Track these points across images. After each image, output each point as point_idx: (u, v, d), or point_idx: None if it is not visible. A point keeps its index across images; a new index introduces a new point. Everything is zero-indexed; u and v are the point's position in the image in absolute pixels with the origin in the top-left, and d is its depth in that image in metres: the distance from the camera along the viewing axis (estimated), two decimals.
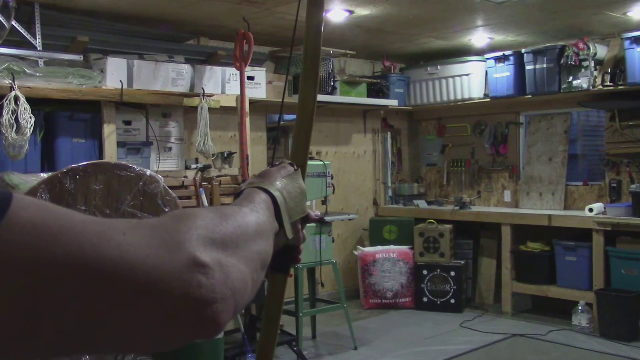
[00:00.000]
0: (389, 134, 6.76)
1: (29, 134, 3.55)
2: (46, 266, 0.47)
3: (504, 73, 5.86)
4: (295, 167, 0.94)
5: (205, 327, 0.54)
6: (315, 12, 1.03)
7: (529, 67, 5.66)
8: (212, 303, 0.54)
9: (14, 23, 3.91)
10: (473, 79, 6.14)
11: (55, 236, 0.49)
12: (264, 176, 0.87)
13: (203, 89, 4.59)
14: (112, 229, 0.52)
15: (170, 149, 4.67)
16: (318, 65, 1.05)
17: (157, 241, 0.54)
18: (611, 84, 5.23)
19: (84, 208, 3.05)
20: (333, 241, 4.96)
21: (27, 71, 3.74)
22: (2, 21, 0.64)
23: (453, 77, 6.26)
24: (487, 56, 6.03)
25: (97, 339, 0.51)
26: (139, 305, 0.51)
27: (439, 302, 5.80)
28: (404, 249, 5.97)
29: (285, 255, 0.90)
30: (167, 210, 3.30)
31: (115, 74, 4.19)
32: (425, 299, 5.85)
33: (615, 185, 5.45)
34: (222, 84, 4.82)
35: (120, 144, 4.26)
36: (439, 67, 6.35)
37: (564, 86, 5.45)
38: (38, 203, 0.51)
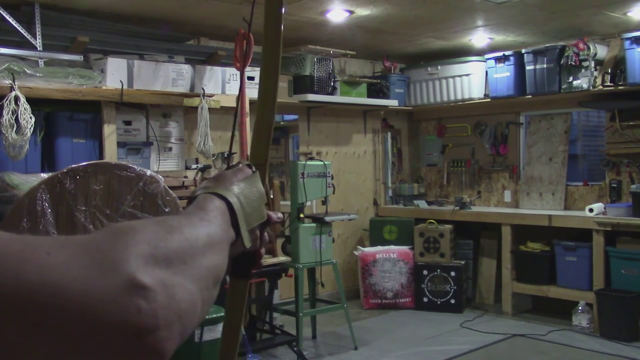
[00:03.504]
0: (389, 134, 6.76)
1: (29, 134, 3.55)
2: None
3: (504, 73, 5.86)
4: (253, 169, 0.87)
5: (148, 356, 0.48)
6: (273, 3, 0.99)
7: (529, 67, 5.66)
8: (154, 330, 0.47)
9: (14, 23, 3.91)
10: (473, 79, 6.14)
11: None
12: (219, 180, 0.80)
13: (203, 89, 4.59)
14: (33, 247, 0.46)
15: (170, 149, 4.67)
16: (278, 57, 0.99)
17: (87, 261, 0.47)
18: (611, 84, 5.23)
19: (84, 208, 3.05)
20: (333, 241, 4.96)
21: (27, 71, 3.74)
22: None
23: (453, 77, 6.26)
24: (487, 56, 6.03)
25: None
26: (65, 336, 0.44)
27: (439, 302, 5.80)
28: (404, 249, 5.97)
29: (245, 260, 0.84)
30: (167, 210, 3.30)
31: (115, 74, 4.19)
32: (425, 299, 5.85)
33: (615, 185, 5.45)
34: (222, 84, 4.82)
35: (120, 144, 4.26)
36: (439, 67, 6.34)
37: (564, 86, 5.45)
38: None
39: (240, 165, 0.86)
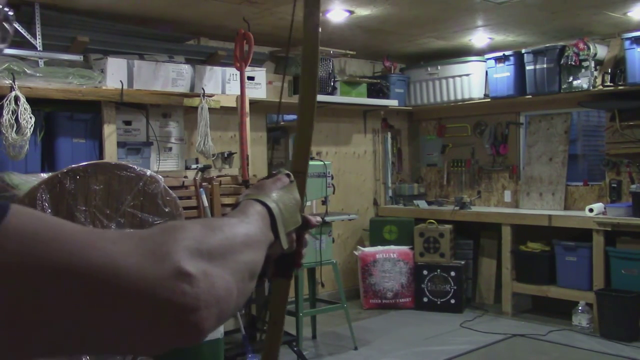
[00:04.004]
0: (389, 134, 6.76)
1: (29, 134, 3.55)
2: (37, 272, 0.50)
3: (504, 73, 5.86)
4: (291, 179, 0.96)
5: (188, 332, 0.56)
6: (311, 23, 1.07)
7: (529, 67, 5.66)
8: (195, 310, 0.56)
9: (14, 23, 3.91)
10: (473, 79, 6.14)
11: (47, 243, 0.51)
12: (260, 188, 0.90)
13: (203, 89, 4.59)
14: (101, 238, 0.55)
15: (170, 149, 4.67)
16: (316, 73, 1.08)
17: (144, 250, 0.56)
18: (611, 84, 5.23)
19: (84, 208, 3.05)
20: (333, 241, 4.96)
21: (27, 71, 3.74)
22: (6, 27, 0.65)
23: (453, 77, 6.26)
24: (487, 56, 6.03)
25: (82, 342, 0.53)
26: (124, 310, 0.53)
27: (439, 302, 5.80)
28: (404, 249, 5.97)
29: (286, 260, 0.93)
30: (167, 210, 3.30)
31: (115, 74, 4.19)
32: (425, 299, 5.85)
33: (615, 185, 5.45)
34: (222, 84, 4.82)
35: (120, 144, 4.26)
36: (439, 67, 6.35)
37: (564, 86, 5.45)
38: (33, 213, 0.54)
39: (279, 174, 0.95)
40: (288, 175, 0.96)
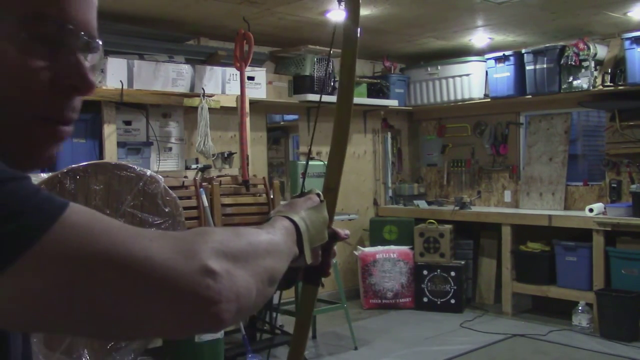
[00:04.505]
0: (389, 134, 6.76)
1: None
2: (85, 258, 0.59)
3: (504, 73, 5.86)
4: (321, 199, 1.04)
5: (209, 321, 0.64)
6: (349, 52, 1.13)
7: (529, 67, 5.66)
8: (217, 302, 0.64)
9: None
10: (473, 79, 6.14)
11: (97, 235, 0.60)
12: (291, 206, 0.98)
13: (203, 89, 4.59)
14: (142, 235, 0.63)
15: (170, 149, 4.67)
16: (351, 100, 1.14)
17: (176, 248, 0.64)
18: (611, 84, 5.23)
19: None
20: None
21: None
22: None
23: (453, 77, 6.26)
24: (487, 56, 6.03)
25: (120, 322, 0.62)
26: (156, 298, 0.61)
27: (439, 302, 5.80)
28: (404, 249, 5.97)
29: (316, 269, 1.04)
30: (167, 210, 3.30)
31: (115, 74, 4.19)
32: (425, 299, 5.85)
33: (615, 185, 5.45)
34: (222, 84, 4.82)
35: (120, 144, 4.26)
36: (439, 67, 6.35)
37: (564, 86, 5.45)
38: (87, 210, 0.63)
39: (310, 194, 1.04)
40: (318, 195, 1.04)
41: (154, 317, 0.63)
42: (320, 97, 5.41)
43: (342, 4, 1.12)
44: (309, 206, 0.99)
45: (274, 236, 0.83)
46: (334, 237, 1.04)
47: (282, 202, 1.02)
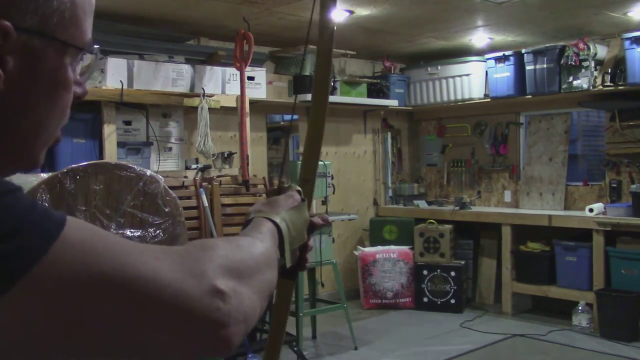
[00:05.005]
0: (389, 134, 6.76)
1: None
2: (90, 281, 0.55)
3: (504, 73, 5.86)
4: (302, 197, 0.99)
5: (219, 346, 0.62)
6: (325, 38, 1.11)
7: (529, 67, 5.66)
8: (227, 326, 0.62)
9: None
10: (473, 79, 6.14)
11: (100, 254, 0.57)
12: (272, 205, 0.94)
13: (203, 89, 4.59)
14: (147, 253, 0.60)
15: (170, 149, 4.67)
16: (328, 84, 1.11)
17: (184, 267, 0.61)
18: (611, 84, 5.23)
19: (84, 208, 3.05)
20: (333, 241, 4.96)
21: None
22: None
23: (453, 77, 6.25)
24: (487, 56, 6.03)
25: (128, 347, 0.59)
26: (166, 321, 0.59)
27: (439, 302, 5.80)
28: (404, 249, 5.97)
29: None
30: (167, 210, 3.30)
31: (115, 74, 4.19)
32: (425, 299, 5.85)
33: (615, 185, 5.45)
34: (222, 84, 4.82)
35: (120, 144, 4.26)
36: (439, 67, 6.35)
37: (564, 86, 5.45)
38: (87, 225, 0.59)
39: (290, 189, 0.99)
40: (299, 193, 1.00)
41: (161, 342, 0.60)
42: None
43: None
44: (290, 206, 0.94)
45: (266, 244, 0.81)
46: (312, 228, 1.00)
47: (260, 200, 1.00)
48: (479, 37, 5.65)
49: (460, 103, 6.29)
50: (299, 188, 1.01)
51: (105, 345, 0.57)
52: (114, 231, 3.05)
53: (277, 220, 0.89)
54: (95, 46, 0.72)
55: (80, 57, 0.70)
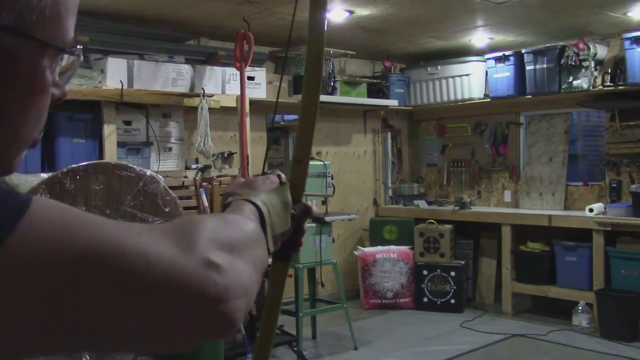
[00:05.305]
0: (389, 134, 6.76)
1: None
2: (64, 260, 0.49)
3: (504, 73, 5.86)
4: (282, 180, 0.93)
5: (221, 324, 0.56)
6: (317, 11, 1.03)
7: (529, 67, 5.66)
8: (226, 300, 0.56)
9: None
10: (473, 79, 6.14)
11: (75, 231, 0.51)
12: (250, 186, 0.88)
13: (203, 89, 4.59)
14: (128, 229, 0.55)
15: (170, 149, 4.67)
16: (321, 64, 1.05)
17: (170, 242, 0.56)
18: (611, 84, 5.23)
19: (84, 208, 3.05)
20: (333, 241, 4.96)
21: None
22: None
23: (453, 77, 6.25)
24: (487, 56, 6.03)
25: (115, 334, 0.53)
26: (156, 301, 0.53)
27: (439, 302, 5.80)
28: (404, 249, 5.97)
29: (285, 245, 0.93)
30: (167, 210, 3.30)
31: (115, 74, 4.19)
32: (425, 299, 5.85)
33: (615, 185, 5.45)
34: (222, 84, 4.82)
35: (120, 144, 4.26)
36: (439, 67, 6.34)
37: (564, 86, 5.45)
38: (56, 203, 0.53)
39: (273, 173, 0.93)
40: (279, 177, 0.94)
41: (152, 326, 0.53)
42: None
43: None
44: (269, 188, 0.88)
45: (251, 221, 0.76)
46: (307, 212, 0.95)
47: (236, 182, 0.93)
48: (479, 37, 5.65)
49: (460, 103, 6.29)
50: (280, 173, 0.96)
51: (88, 334, 0.51)
52: None
53: (258, 202, 0.83)
54: (78, 47, 0.67)
55: (60, 58, 0.65)
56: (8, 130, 0.61)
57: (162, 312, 0.53)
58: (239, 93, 4.65)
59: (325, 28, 1.03)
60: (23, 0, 0.58)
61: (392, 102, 6.32)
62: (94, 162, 3.42)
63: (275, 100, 5.44)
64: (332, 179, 4.89)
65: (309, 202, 0.99)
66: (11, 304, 0.48)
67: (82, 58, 0.71)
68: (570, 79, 5.39)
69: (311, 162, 4.96)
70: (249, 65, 4.56)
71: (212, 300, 0.55)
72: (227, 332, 0.57)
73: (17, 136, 0.62)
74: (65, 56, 0.65)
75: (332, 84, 5.71)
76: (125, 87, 4.17)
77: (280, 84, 5.02)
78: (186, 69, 4.61)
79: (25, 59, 0.60)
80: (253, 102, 4.97)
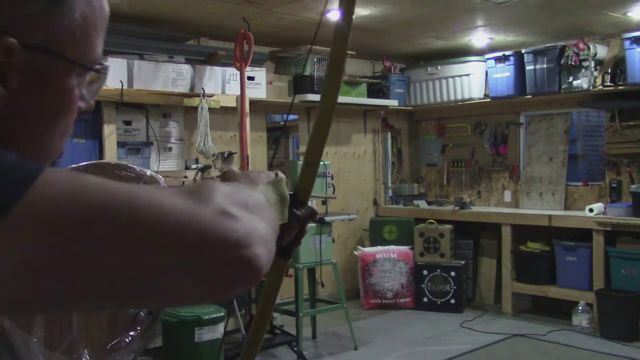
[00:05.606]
0: (389, 134, 6.76)
1: None
2: (80, 213, 0.50)
3: (504, 73, 5.86)
4: (278, 177, 0.92)
5: (246, 268, 0.55)
6: (343, 18, 1.04)
7: (529, 67, 5.66)
8: (248, 246, 0.55)
9: None
10: (473, 79, 6.14)
11: (88, 187, 0.52)
12: (247, 177, 0.87)
13: (203, 89, 4.59)
14: (140, 187, 0.55)
15: (170, 149, 4.67)
16: (341, 73, 1.07)
17: (185, 196, 0.56)
18: (611, 84, 5.23)
19: None
20: (333, 241, 4.96)
21: None
22: None
23: (453, 77, 6.25)
24: (487, 56, 6.03)
25: (134, 289, 0.53)
26: (175, 247, 0.52)
27: (439, 302, 5.80)
28: (404, 249, 5.97)
29: (288, 242, 0.93)
30: None
31: (115, 74, 4.19)
32: (425, 299, 5.85)
33: (615, 185, 5.45)
34: (222, 84, 4.82)
35: (120, 144, 4.26)
36: (439, 67, 6.35)
37: (564, 86, 5.45)
38: (68, 171, 0.54)
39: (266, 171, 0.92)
40: (276, 174, 0.93)
41: (176, 271, 0.53)
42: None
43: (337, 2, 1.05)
44: (264, 180, 0.87)
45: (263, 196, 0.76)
46: (313, 215, 0.95)
47: (230, 173, 0.90)
48: (479, 37, 5.65)
49: (460, 103, 6.29)
50: (279, 172, 0.95)
51: (108, 286, 0.51)
52: None
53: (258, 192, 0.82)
54: (105, 64, 0.71)
55: (88, 74, 0.69)
56: (36, 144, 0.64)
57: (183, 258, 0.53)
58: (239, 93, 4.65)
59: (349, 39, 1.03)
60: (55, 21, 0.62)
61: (392, 102, 6.32)
62: (94, 162, 3.42)
63: (274, 100, 5.44)
64: (332, 179, 4.89)
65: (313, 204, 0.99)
66: (32, 259, 0.49)
67: (107, 74, 0.75)
68: (570, 79, 5.40)
69: None
70: (249, 65, 4.56)
71: (233, 244, 0.54)
72: (252, 278, 0.56)
73: (45, 149, 0.66)
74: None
75: None
76: (125, 87, 4.17)
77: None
78: (186, 69, 4.61)
79: (55, 76, 0.64)
80: (253, 102, 4.97)
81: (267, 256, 0.58)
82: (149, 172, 3.31)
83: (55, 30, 0.62)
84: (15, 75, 0.61)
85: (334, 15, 4.65)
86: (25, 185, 0.49)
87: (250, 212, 0.60)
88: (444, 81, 6.33)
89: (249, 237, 0.56)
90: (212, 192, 0.58)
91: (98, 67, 0.69)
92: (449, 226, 5.88)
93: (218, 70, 4.81)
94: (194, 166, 4.64)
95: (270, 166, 5.77)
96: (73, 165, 3.13)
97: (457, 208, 6.04)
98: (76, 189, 0.51)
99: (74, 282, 0.50)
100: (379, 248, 6.01)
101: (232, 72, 4.80)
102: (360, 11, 4.61)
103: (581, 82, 5.33)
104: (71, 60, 0.64)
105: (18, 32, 0.60)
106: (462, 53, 6.19)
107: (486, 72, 6.11)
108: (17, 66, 0.61)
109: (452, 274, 5.77)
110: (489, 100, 6.10)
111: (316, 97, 5.47)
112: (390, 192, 6.73)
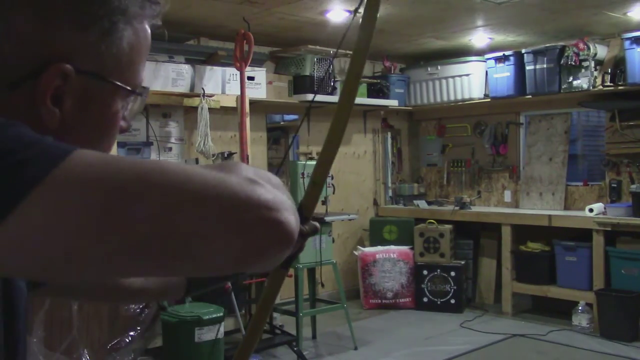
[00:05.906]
0: (389, 134, 6.76)
1: None
2: (115, 178, 0.53)
3: (504, 73, 5.86)
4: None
5: (278, 230, 0.57)
6: (359, 53, 1.04)
7: (529, 67, 5.66)
8: (278, 209, 0.57)
9: None
10: (473, 79, 6.14)
11: (121, 160, 0.56)
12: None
13: (203, 89, 4.59)
14: (169, 162, 0.58)
15: (170, 149, 4.67)
16: (355, 94, 1.07)
17: (210, 168, 0.59)
18: (611, 84, 5.23)
19: None
20: (333, 241, 4.96)
21: None
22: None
23: (453, 77, 6.25)
24: (487, 56, 6.03)
25: (167, 248, 0.55)
26: (207, 209, 0.55)
27: (439, 302, 5.80)
28: (404, 249, 5.97)
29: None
30: None
31: None
32: (425, 299, 5.85)
33: (615, 185, 5.45)
34: (222, 84, 4.82)
35: (120, 144, 4.26)
36: (439, 67, 6.34)
37: (564, 86, 5.45)
38: (100, 152, 0.58)
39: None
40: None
41: (209, 231, 0.55)
42: (314, 96, 5.41)
43: (359, 11, 1.04)
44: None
45: None
46: (315, 232, 0.95)
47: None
48: (479, 37, 5.65)
49: (460, 103, 6.29)
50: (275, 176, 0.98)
51: (145, 247, 0.54)
52: None
53: None
54: (145, 87, 0.77)
55: (131, 97, 0.75)
56: None
57: (215, 215, 0.55)
58: (239, 93, 4.65)
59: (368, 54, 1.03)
60: (106, 49, 0.69)
61: (392, 102, 6.32)
62: None
63: (274, 100, 5.42)
64: (332, 179, 4.89)
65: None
66: (72, 221, 0.52)
67: (147, 97, 0.80)
68: (570, 79, 5.40)
69: (311, 162, 4.99)
70: (249, 65, 4.56)
71: (264, 206, 0.56)
72: (284, 241, 0.58)
73: None
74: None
75: (332, 84, 5.71)
76: None
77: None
78: (186, 69, 4.61)
79: (103, 99, 0.70)
80: (253, 102, 4.97)
81: (296, 224, 0.60)
82: None
83: (105, 57, 0.69)
84: (69, 98, 0.67)
85: (334, 15, 4.65)
86: (65, 154, 0.53)
87: (269, 185, 0.62)
88: (444, 81, 6.33)
89: (278, 203, 0.58)
90: (238, 166, 0.61)
91: (140, 91, 0.75)
92: (449, 226, 5.88)
93: (218, 70, 4.81)
94: None
95: (270, 165, 5.77)
96: None
97: (457, 208, 6.04)
98: (108, 158, 0.55)
99: (110, 239, 0.53)
100: (379, 248, 6.01)
101: (232, 72, 4.80)
102: (361, 11, 4.60)
103: (581, 82, 5.33)
104: (118, 84, 0.71)
105: (74, 59, 0.67)
106: (462, 53, 6.19)
107: (486, 72, 6.11)
108: (71, 90, 0.67)
109: (452, 274, 5.77)
110: (489, 100, 6.10)
111: (316, 97, 5.47)
112: (390, 192, 6.73)
